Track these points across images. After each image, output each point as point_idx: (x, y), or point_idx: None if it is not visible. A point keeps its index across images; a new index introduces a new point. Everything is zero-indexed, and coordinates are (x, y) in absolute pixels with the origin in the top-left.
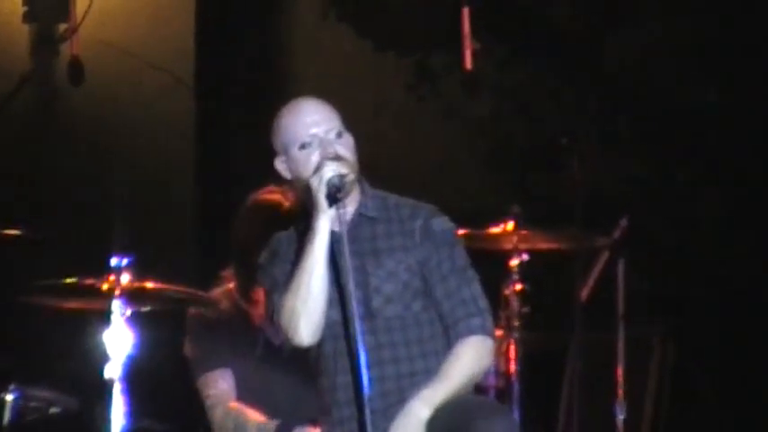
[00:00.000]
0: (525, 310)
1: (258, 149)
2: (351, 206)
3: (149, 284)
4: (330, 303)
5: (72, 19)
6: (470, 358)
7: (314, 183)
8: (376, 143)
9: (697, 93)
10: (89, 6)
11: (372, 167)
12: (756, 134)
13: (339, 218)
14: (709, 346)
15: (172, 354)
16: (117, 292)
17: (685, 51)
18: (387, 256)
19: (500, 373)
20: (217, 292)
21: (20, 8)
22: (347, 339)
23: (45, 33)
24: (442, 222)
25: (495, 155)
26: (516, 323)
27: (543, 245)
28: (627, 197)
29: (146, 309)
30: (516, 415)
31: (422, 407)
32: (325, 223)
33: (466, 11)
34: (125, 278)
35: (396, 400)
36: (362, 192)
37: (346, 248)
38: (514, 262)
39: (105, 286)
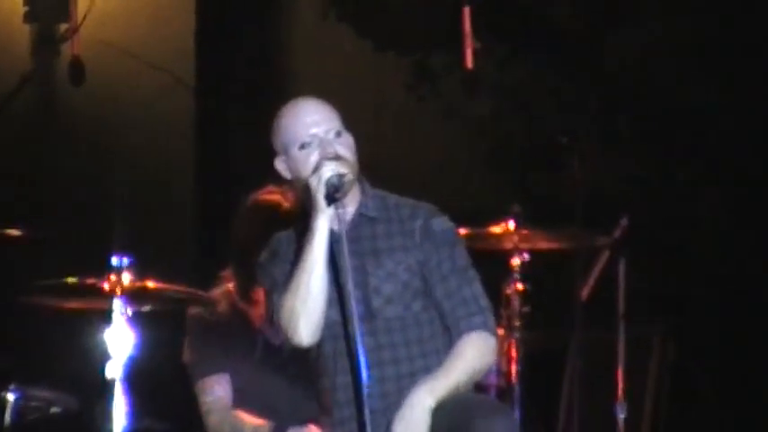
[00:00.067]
0: (526, 309)
1: (258, 149)
2: (351, 206)
3: (150, 284)
4: (330, 303)
5: (73, 19)
6: (473, 354)
7: (313, 182)
8: (376, 143)
9: (697, 93)
10: (90, 6)
11: (372, 167)
12: (756, 134)
13: (338, 217)
14: (709, 346)
15: (172, 353)
16: (118, 292)
17: (685, 51)
18: (387, 256)
19: (501, 372)
20: (216, 292)
21: (20, 8)
22: (347, 339)
23: (46, 33)
24: (442, 222)
25: (496, 155)
26: (517, 322)
27: (544, 244)
28: (627, 197)
29: (146, 308)
30: (517, 414)
31: (426, 396)
32: (324, 223)
33: (467, 10)
34: (126, 278)
35: (396, 401)
36: (363, 191)
37: (345, 248)
38: (515, 261)
39: (106, 286)
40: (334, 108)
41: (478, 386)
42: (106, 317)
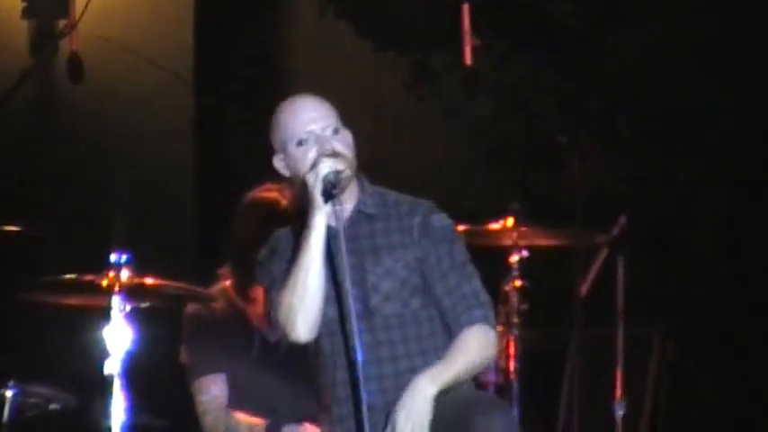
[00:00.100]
0: (525, 306)
1: (257, 144)
2: (350, 203)
3: (149, 281)
4: (328, 300)
5: (71, 15)
6: (474, 347)
7: (310, 179)
8: (375, 143)
9: (697, 93)
10: (88, 2)
11: (371, 167)
12: (756, 134)
13: (336, 214)
14: (709, 346)
15: (171, 350)
16: (116, 289)
17: (685, 51)
18: (385, 253)
19: (499, 369)
20: (213, 290)
21: (19, 4)
22: (344, 337)
23: (44, 29)
24: (440, 219)
25: (496, 155)
26: (516, 320)
27: (543, 241)
28: (627, 197)
29: (145, 305)
30: (516, 412)
31: (427, 384)
32: (321, 220)
33: (466, 7)
34: (124, 274)
35: (394, 398)
36: (362, 189)
37: (343, 245)
38: (514, 258)
39: (105, 283)
40: (331, 105)
41: (477, 384)
42: (105, 314)
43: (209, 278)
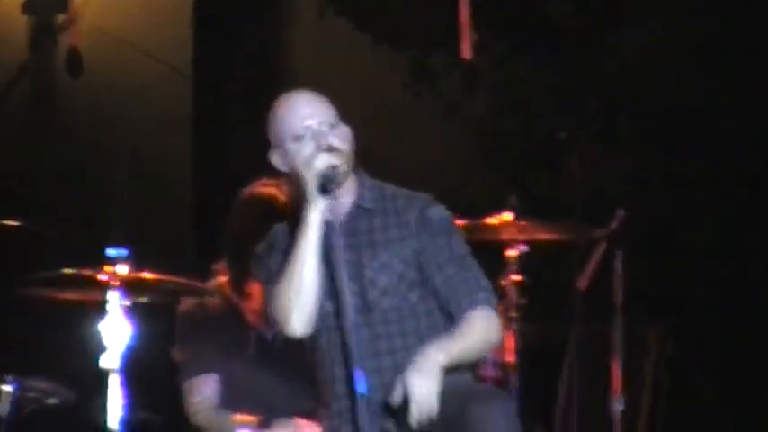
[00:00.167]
0: (523, 301)
1: (255, 139)
2: (348, 197)
3: (147, 275)
4: (325, 295)
5: (71, 10)
6: (479, 327)
7: (306, 174)
8: (375, 142)
9: (697, 93)
10: None
11: (370, 165)
12: (756, 134)
13: (332, 209)
14: (709, 346)
15: (169, 345)
16: (114, 284)
17: (685, 51)
18: (383, 247)
19: (498, 364)
20: (209, 285)
21: None
22: (340, 331)
23: (44, 24)
24: (438, 211)
25: (496, 155)
26: (514, 314)
27: (541, 236)
28: (627, 197)
29: (143, 300)
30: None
31: (438, 352)
32: (316, 215)
33: (464, 0)
34: (122, 269)
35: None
36: (360, 183)
37: (339, 239)
38: (512, 253)
39: (103, 277)
40: (328, 100)
41: (476, 377)
42: (103, 308)
43: (207, 275)
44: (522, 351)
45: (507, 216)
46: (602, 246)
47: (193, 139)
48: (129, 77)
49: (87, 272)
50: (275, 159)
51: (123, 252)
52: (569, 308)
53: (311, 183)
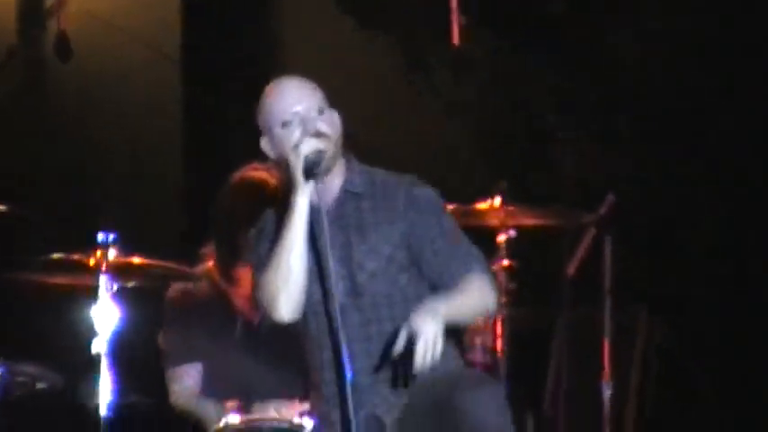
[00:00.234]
0: (512, 286)
1: (245, 122)
2: (337, 182)
3: (135, 260)
4: (313, 280)
5: None
6: (477, 289)
7: (292, 159)
8: (366, 127)
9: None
10: None
11: (362, 152)
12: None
13: (318, 193)
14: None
15: (158, 329)
16: (103, 268)
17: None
18: (371, 231)
19: (487, 349)
20: (197, 270)
21: None
22: (328, 317)
23: (32, 8)
24: (425, 191)
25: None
26: (503, 299)
27: (530, 221)
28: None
29: (132, 284)
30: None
31: (437, 303)
32: (303, 199)
33: None
34: (111, 254)
35: (383, 377)
36: (349, 168)
37: (326, 224)
38: (501, 238)
39: (92, 262)
40: (316, 86)
41: (465, 363)
42: (92, 293)
43: (195, 259)
44: (511, 336)
45: (496, 201)
46: (592, 231)
47: (183, 122)
48: (118, 61)
49: (76, 256)
50: (265, 145)
51: (112, 237)
52: (558, 293)
53: (297, 167)
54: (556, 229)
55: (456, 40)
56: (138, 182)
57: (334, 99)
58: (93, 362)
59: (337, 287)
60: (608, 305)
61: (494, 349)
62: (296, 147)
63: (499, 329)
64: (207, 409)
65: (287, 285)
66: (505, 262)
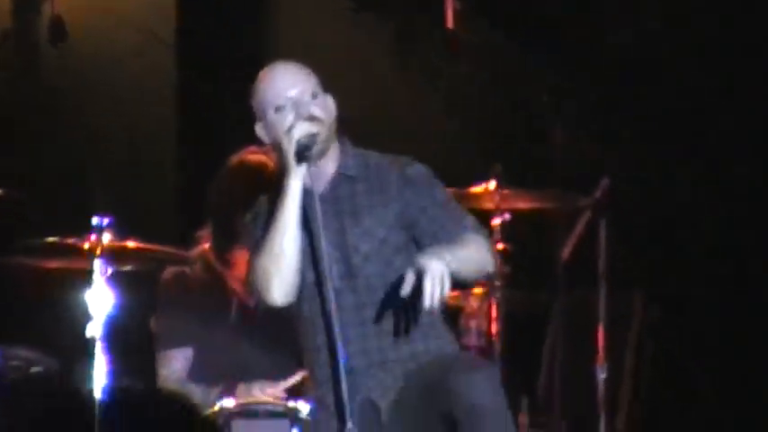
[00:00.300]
0: (507, 269)
1: (240, 106)
2: (331, 165)
3: (130, 244)
4: (307, 263)
5: None
6: (475, 246)
7: (284, 143)
8: (361, 111)
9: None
10: None
11: (357, 135)
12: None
13: (312, 177)
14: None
15: (152, 313)
16: (98, 252)
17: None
18: (366, 213)
19: (482, 332)
20: (192, 252)
21: None
22: (321, 300)
23: None
24: (418, 167)
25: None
26: (498, 283)
27: (525, 204)
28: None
29: (127, 268)
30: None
31: (440, 249)
32: (296, 183)
33: None
34: (106, 238)
35: (378, 360)
36: (343, 151)
37: (318, 207)
38: (496, 221)
39: (87, 246)
40: (310, 70)
41: (460, 346)
42: (87, 277)
43: (191, 243)
44: (505, 319)
45: (491, 185)
46: (587, 214)
47: (177, 107)
48: (113, 45)
49: (71, 240)
50: (259, 130)
51: (107, 221)
52: (553, 276)
53: (289, 151)
54: (551, 213)
55: (450, 23)
56: (132, 166)
57: (329, 83)
58: (88, 346)
59: (332, 271)
60: (603, 288)
61: (488, 333)
62: (288, 131)
63: (494, 313)
64: (193, 393)
65: (279, 269)
66: (500, 245)
